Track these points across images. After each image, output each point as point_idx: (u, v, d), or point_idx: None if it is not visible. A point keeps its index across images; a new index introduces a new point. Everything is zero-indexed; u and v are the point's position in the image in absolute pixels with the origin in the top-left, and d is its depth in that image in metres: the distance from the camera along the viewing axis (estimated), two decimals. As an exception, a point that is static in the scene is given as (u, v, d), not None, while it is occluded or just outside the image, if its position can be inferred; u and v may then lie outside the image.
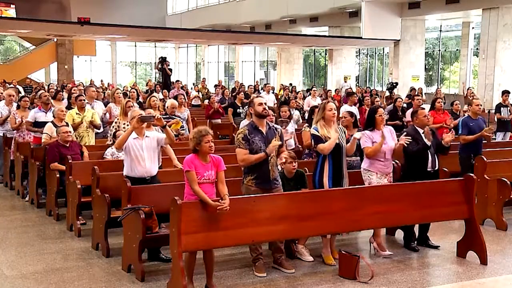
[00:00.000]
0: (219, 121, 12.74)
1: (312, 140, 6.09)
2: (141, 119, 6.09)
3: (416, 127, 6.66)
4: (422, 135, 6.59)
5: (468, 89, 18.89)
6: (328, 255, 6.09)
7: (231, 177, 6.30)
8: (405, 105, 13.29)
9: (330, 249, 6.13)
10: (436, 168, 6.63)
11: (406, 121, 11.12)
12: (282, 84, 22.41)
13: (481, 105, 8.71)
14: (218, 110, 12.85)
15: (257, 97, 5.97)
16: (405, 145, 6.33)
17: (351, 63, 28.86)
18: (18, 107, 10.01)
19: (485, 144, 9.41)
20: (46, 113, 9.25)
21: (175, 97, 11.01)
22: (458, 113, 11.41)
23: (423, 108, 7.02)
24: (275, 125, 6.02)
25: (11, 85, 18.11)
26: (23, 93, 16.16)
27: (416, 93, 16.32)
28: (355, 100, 12.47)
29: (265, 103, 5.83)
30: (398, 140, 6.48)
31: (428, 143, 6.52)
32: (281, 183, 5.91)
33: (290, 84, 21.55)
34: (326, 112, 6.05)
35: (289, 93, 18.72)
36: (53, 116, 8.72)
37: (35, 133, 9.18)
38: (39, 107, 9.45)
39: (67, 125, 8.53)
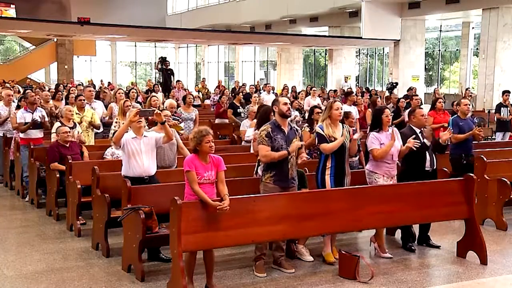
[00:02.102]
0: (226, 120, 12.80)
1: (316, 139, 6.11)
2: (139, 113, 6.11)
3: (413, 127, 6.66)
4: (419, 134, 6.59)
5: (466, 89, 18.91)
6: (329, 253, 6.08)
7: (231, 177, 6.30)
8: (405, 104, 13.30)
9: (331, 249, 6.13)
10: (434, 167, 6.63)
11: (406, 121, 11.11)
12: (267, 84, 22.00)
13: (469, 105, 8.74)
14: (228, 110, 13.04)
15: (282, 96, 6.05)
16: (414, 149, 6.29)
17: (351, 63, 28.86)
18: (18, 107, 9.99)
19: (485, 144, 9.41)
20: (32, 113, 9.17)
21: (184, 98, 11.06)
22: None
23: (421, 108, 7.00)
24: (296, 126, 6.08)
25: (14, 85, 18.15)
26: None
27: (414, 93, 16.31)
28: (354, 99, 12.49)
29: (290, 104, 5.92)
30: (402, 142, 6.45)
31: (428, 143, 6.52)
32: (297, 182, 5.95)
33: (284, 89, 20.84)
34: (333, 111, 6.07)
35: (287, 93, 18.68)
36: (61, 116, 8.72)
37: (25, 134, 9.10)
38: (25, 108, 9.31)
39: (75, 125, 8.54)
